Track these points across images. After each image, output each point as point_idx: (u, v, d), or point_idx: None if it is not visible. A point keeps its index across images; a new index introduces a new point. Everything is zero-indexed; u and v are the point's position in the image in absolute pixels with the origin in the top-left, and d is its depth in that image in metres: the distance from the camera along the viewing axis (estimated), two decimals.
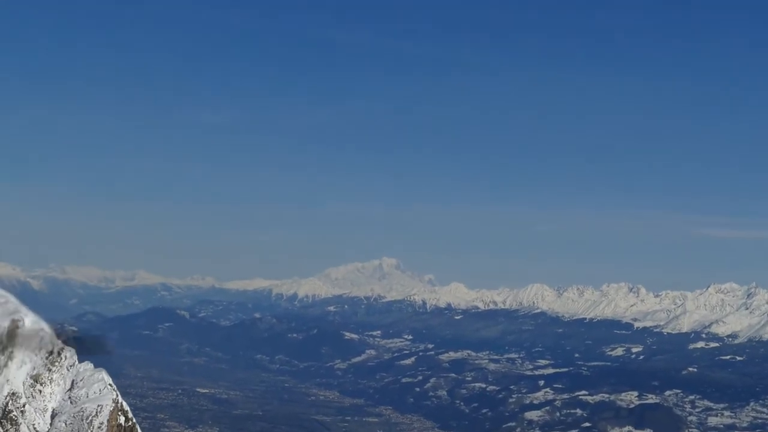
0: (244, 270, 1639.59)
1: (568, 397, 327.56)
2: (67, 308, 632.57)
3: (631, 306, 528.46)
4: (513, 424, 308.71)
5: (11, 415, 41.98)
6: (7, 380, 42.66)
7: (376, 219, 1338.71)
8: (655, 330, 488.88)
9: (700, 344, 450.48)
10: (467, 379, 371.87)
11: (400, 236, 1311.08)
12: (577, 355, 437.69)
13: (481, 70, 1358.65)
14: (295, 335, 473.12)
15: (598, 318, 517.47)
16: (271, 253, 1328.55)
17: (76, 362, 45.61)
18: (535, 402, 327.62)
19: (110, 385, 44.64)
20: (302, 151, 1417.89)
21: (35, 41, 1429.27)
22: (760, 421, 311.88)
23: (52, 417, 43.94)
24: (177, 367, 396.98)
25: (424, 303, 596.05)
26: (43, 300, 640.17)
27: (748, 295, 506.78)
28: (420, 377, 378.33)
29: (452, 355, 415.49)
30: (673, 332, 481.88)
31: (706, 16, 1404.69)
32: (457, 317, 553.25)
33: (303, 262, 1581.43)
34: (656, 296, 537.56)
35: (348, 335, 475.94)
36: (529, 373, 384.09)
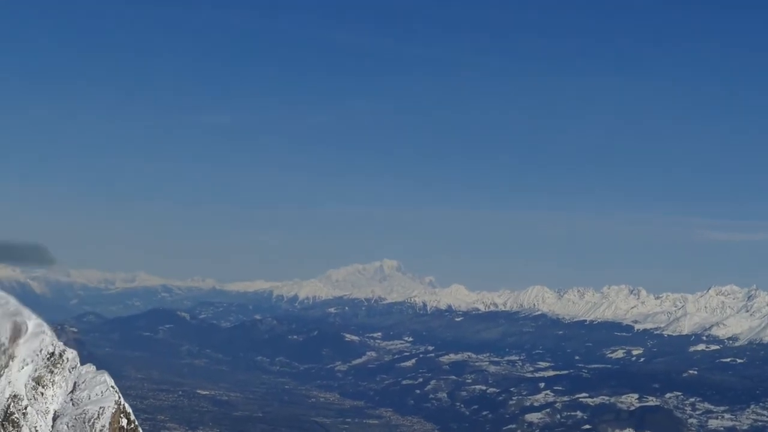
0: (244, 271, 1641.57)
1: (568, 399, 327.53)
2: (68, 309, 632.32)
3: (632, 308, 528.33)
4: (513, 426, 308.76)
5: (13, 417, 41.99)
6: (9, 382, 42.66)
7: (377, 220, 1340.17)
8: (655, 332, 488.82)
9: (701, 346, 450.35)
10: (467, 381, 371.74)
11: (400, 238, 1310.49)
12: (577, 357, 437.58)
13: (481, 70, 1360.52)
14: (295, 337, 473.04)
15: (599, 320, 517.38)
16: (272, 255, 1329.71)
17: (78, 364, 45.62)
18: (535, 404, 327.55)
19: (112, 387, 44.64)
20: (303, 152, 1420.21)
21: (35, 41, 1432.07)
22: (760, 423, 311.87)
23: (54, 419, 43.93)
24: (177, 369, 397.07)
25: (425, 305, 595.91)
26: (43, 301, 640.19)
27: (749, 298, 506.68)
28: (420, 379, 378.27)
29: (453, 357, 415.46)
30: (674, 334, 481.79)
31: (706, 16, 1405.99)
32: (457, 319, 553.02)
33: (304, 263, 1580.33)
34: (657, 298, 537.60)
35: (348, 337, 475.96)
36: (529, 375, 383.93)
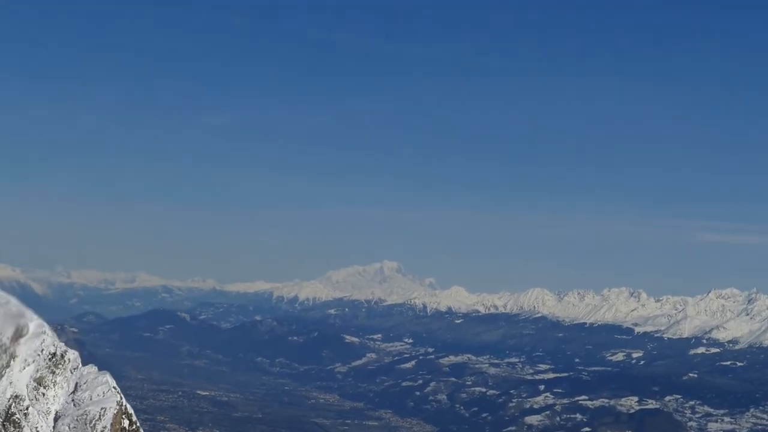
0: (245, 272, 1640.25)
1: (568, 401, 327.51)
2: (68, 309, 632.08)
3: (632, 311, 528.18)
4: (513, 428, 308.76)
5: (14, 417, 41.97)
6: (11, 383, 42.64)
7: (377, 222, 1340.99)
8: (655, 335, 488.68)
9: (701, 350, 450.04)
10: (467, 383, 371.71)
11: (401, 239, 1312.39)
12: (577, 359, 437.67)
13: (481, 71, 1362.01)
14: (295, 338, 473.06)
15: (599, 323, 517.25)
16: (272, 255, 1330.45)
17: (80, 365, 45.56)
18: (535, 406, 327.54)
19: (114, 387, 44.58)
20: (302, 152, 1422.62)
21: (35, 41, 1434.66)
22: (760, 427, 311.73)
23: (56, 420, 43.91)
24: (177, 370, 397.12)
25: (425, 306, 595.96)
26: (43, 302, 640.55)
27: (749, 301, 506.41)
28: (420, 381, 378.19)
29: (452, 359, 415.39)
30: (674, 337, 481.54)
31: (706, 16, 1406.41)
32: (457, 321, 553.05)
33: (304, 264, 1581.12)
34: (657, 301, 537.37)
35: (348, 338, 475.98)
36: (529, 377, 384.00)
